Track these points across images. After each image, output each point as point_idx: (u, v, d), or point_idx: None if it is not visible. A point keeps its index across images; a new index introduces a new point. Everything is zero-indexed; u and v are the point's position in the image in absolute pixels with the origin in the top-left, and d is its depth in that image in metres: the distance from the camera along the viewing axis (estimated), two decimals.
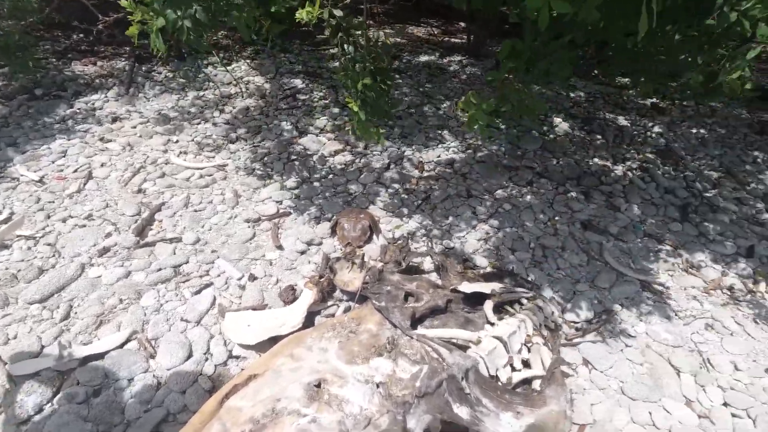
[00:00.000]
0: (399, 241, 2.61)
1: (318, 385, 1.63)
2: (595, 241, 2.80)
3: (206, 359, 1.99)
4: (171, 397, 1.83)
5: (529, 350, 1.91)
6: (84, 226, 2.71)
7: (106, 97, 4.22)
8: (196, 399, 1.83)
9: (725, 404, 1.92)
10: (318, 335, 1.94)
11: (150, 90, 4.37)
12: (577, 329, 2.22)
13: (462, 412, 1.58)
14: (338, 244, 2.68)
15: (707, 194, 3.31)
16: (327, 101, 4.34)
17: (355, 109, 2.18)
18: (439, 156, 3.60)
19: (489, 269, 2.50)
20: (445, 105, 4.37)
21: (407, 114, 4.20)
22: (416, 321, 2.07)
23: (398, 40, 6.26)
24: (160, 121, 3.87)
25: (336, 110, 4.17)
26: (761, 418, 1.84)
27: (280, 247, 2.65)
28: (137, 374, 1.89)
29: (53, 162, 3.30)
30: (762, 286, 2.53)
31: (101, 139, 3.60)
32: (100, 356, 1.95)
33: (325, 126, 3.95)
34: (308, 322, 2.14)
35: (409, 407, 1.55)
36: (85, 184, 3.08)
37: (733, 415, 1.87)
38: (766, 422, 1.82)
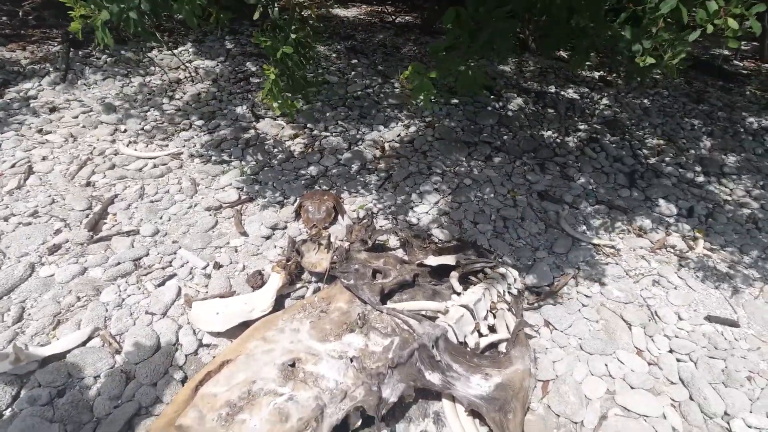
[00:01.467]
0: (364, 221, 2.62)
1: (293, 365, 1.64)
2: (552, 210, 2.94)
3: (176, 350, 1.96)
4: (142, 391, 1.79)
5: (494, 316, 2.00)
6: (29, 223, 2.55)
7: (41, 84, 3.93)
8: (168, 390, 1.80)
9: (671, 351, 2.09)
10: (289, 317, 1.95)
11: (90, 76, 4.11)
12: (538, 294, 2.34)
13: (434, 378, 1.65)
14: (303, 227, 2.67)
15: (651, 161, 3.53)
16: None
17: (272, 77, 2.14)
18: (399, 135, 3.62)
19: (453, 242, 2.57)
20: (401, 84, 4.37)
21: (365, 94, 4.17)
22: (385, 296, 2.11)
23: (349, 16, 6.16)
24: (105, 110, 3.65)
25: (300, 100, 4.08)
26: (701, 360, 2.03)
27: (244, 234, 2.61)
28: (103, 370, 1.84)
29: None
30: (700, 243, 2.75)
31: (39, 131, 3.37)
32: (61, 356, 1.87)
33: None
34: (278, 305, 2.14)
35: (383, 378, 1.60)
36: (25, 180, 2.89)
37: (678, 360, 2.05)
38: (705, 363, 2.01)
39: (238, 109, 3.82)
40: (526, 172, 3.29)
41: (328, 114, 3.82)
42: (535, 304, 2.26)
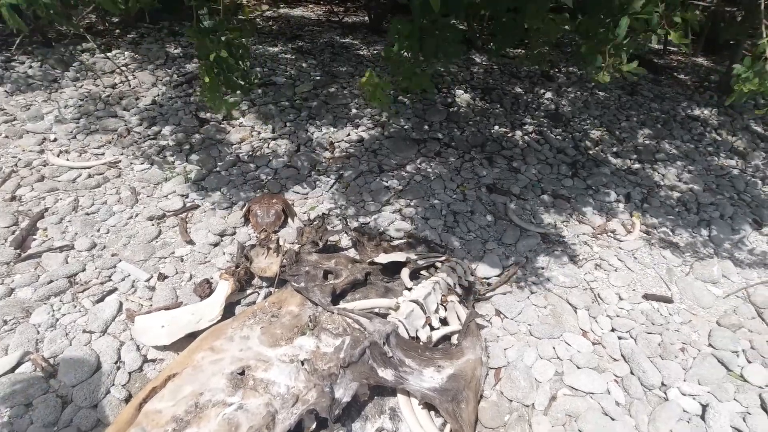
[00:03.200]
0: (314, 222, 2.59)
1: (242, 373, 1.60)
2: (500, 202, 3.02)
3: (118, 368, 1.85)
4: (81, 414, 1.68)
5: (445, 309, 2.03)
6: None
7: None
8: (110, 411, 1.70)
9: (613, 330, 2.21)
10: (239, 324, 1.89)
11: (12, 83, 3.82)
12: (488, 284, 2.40)
13: (387, 374, 1.65)
14: (253, 232, 2.60)
15: (591, 151, 3.70)
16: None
17: (206, 80, 2.10)
18: (348, 135, 3.60)
19: (404, 239, 2.59)
20: (350, 84, 4.37)
21: (313, 95, 4.13)
22: (338, 297, 2.09)
23: (295, 15, 6.08)
24: (31, 118, 3.41)
25: (237, 97, 3.97)
26: (641, 337, 2.15)
27: (190, 242, 2.51)
28: (36, 397, 1.71)
29: None
30: (637, 226, 2.92)
31: None
32: None
33: (228, 113, 3.75)
34: (228, 313, 2.07)
35: (336, 378, 1.58)
36: None
37: (619, 338, 2.16)
38: (644, 339, 2.13)
39: (180, 114, 3.68)
40: (474, 166, 3.37)
41: (275, 116, 3.75)
42: (486, 295, 2.31)
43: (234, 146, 3.37)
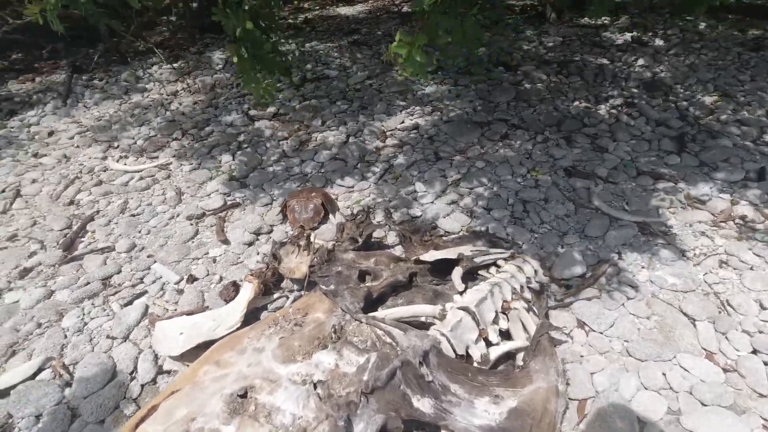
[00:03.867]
0: (357, 217, 2.28)
1: (244, 395, 1.31)
2: (582, 187, 2.46)
3: (132, 379, 1.68)
4: (87, 430, 1.52)
5: (507, 318, 1.58)
6: (5, 248, 2.40)
7: (43, 111, 3.91)
8: (116, 429, 1.52)
9: (754, 351, 1.58)
10: (257, 333, 1.62)
11: (89, 99, 4.05)
12: (567, 287, 1.89)
13: (424, 405, 1.26)
14: (290, 229, 2.35)
15: (703, 121, 2.95)
16: (280, 84, 4.00)
17: (235, 59, 1.84)
18: (402, 122, 3.26)
19: (462, 233, 2.17)
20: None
21: (367, 85, 3.85)
22: (375, 302, 1.75)
23: (354, 13, 5.90)
24: (100, 129, 3.55)
25: (288, 93, 3.83)
26: None
27: (225, 242, 2.33)
28: (47, 407, 1.58)
29: None
30: None
31: (35, 155, 3.30)
32: (6, 392, 1.64)
33: (278, 110, 3.62)
34: (254, 319, 1.82)
35: (355, 408, 1.23)
36: (11, 204, 2.77)
37: (766, 363, 1.53)
38: None
39: (233, 114, 3.61)
40: (549, 147, 2.83)
41: (326, 109, 3.53)
42: (565, 300, 1.81)
43: (281, 141, 3.20)
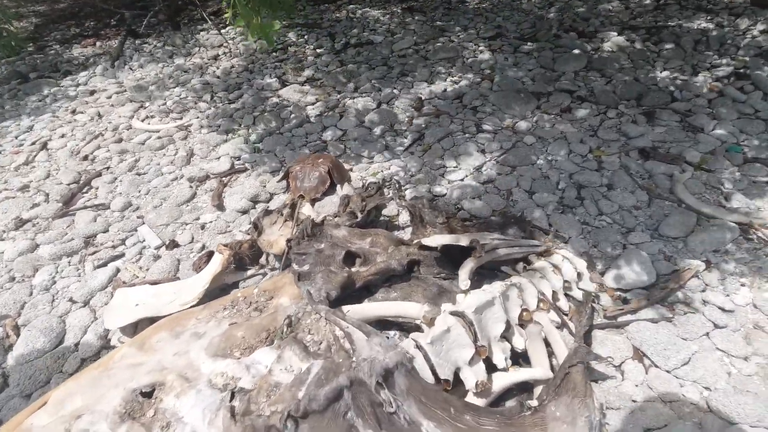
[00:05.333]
0: (368, 189, 1.90)
1: (149, 393, 1.00)
2: (662, 174, 1.88)
3: (74, 351, 1.46)
4: (11, 405, 1.31)
5: (525, 335, 1.13)
6: (14, 197, 2.33)
7: (93, 72, 3.94)
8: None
9: None
10: (207, 315, 1.32)
11: (136, 62, 4.03)
12: (624, 301, 1.38)
13: None
14: (292, 198, 2.03)
15: None
16: (321, 50, 3.70)
17: None
18: (444, 90, 2.80)
19: (492, 218, 1.71)
20: (461, 35, 3.53)
21: (413, 51, 3.43)
22: (361, 292, 1.37)
23: None
24: (137, 89, 3.48)
25: (328, 58, 3.51)
26: None
27: (219, 207, 2.07)
28: None
29: (17, 137, 3.01)
30: None
31: (72, 112, 3.29)
32: None
33: (313, 75, 3.32)
34: (220, 296, 1.52)
35: None
36: (35, 156, 2.74)
37: None
38: None
39: (266, 79, 3.37)
40: (622, 124, 2.25)
41: (362, 75, 3.16)
42: (618, 319, 1.31)
43: (307, 107, 2.89)
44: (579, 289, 1.31)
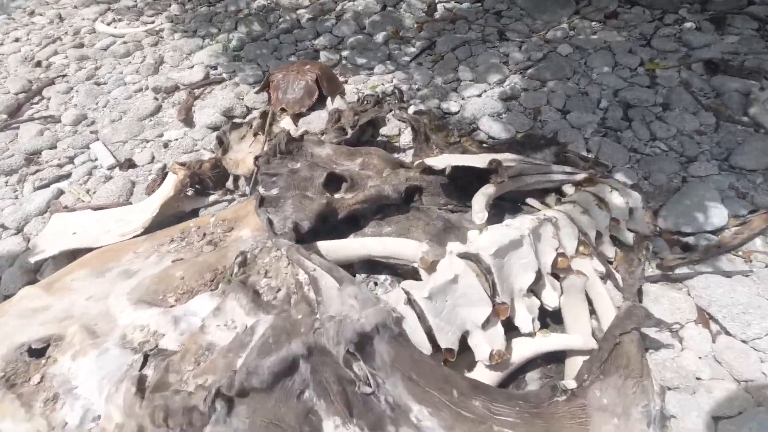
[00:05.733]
0: (364, 102, 1.54)
1: (41, 351, 0.73)
2: (734, 92, 1.49)
3: None
4: None
5: (561, 288, 0.83)
6: None
7: None
8: None
9: None
10: (149, 248, 1.04)
11: None
12: (686, 248, 1.07)
13: None
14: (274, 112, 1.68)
15: None
16: None
17: None
18: None
19: (517, 138, 1.36)
20: None
21: None
22: (346, 226, 1.07)
23: None
24: None
25: None
26: None
27: (187, 122, 1.74)
28: None
29: None
30: None
31: (30, 14, 2.85)
32: None
33: None
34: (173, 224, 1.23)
35: (199, 427, 0.60)
36: None
37: None
38: None
39: None
40: (683, 32, 1.81)
41: None
42: (676, 270, 1.00)
43: (299, 10, 2.44)
44: (629, 230, 1.00)
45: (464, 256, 0.73)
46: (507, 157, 1.08)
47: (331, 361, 0.63)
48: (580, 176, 1.07)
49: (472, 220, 0.92)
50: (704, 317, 0.93)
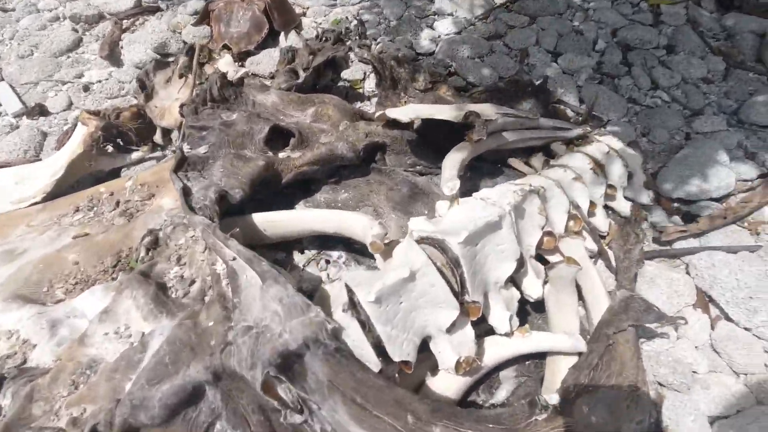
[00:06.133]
0: (323, 38, 1.29)
1: None
2: (749, 33, 1.30)
3: None
4: None
5: (546, 273, 0.68)
6: None
7: None
8: None
9: None
10: (47, 219, 0.85)
11: None
12: (688, 217, 0.93)
13: None
14: (214, 49, 1.42)
15: None
16: None
17: None
18: None
19: (499, 84, 1.16)
20: None
21: None
22: (295, 191, 0.89)
23: None
24: None
25: None
26: None
27: (111, 60, 1.46)
28: None
29: None
30: None
31: None
32: None
33: None
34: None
35: None
36: None
37: None
38: None
39: None
40: None
41: None
42: (674, 245, 0.87)
43: None
44: (626, 198, 0.85)
45: (426, 241, 0.57)
46: (487, 109, 0.89)
47: (247, 385, 0.48)
48: (574, 133, 0.90)
49: (442, 188, 0.74)
50: (704, 300, 0.81)
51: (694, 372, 0.74)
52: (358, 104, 1.24)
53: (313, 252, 0.87)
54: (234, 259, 0.58)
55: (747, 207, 0.90)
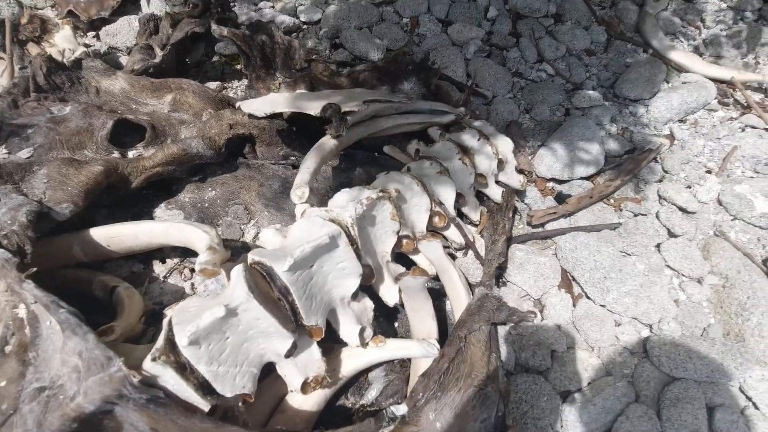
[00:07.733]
0: (191, 5, 1.14)
1: None
2: (631, 0, 1.32)
3: None
4: None
5: (399, 281, 0.66)
6: None
7: None
8: None
9: None
10: None
11: None
12: (558, 197, 0.96)
13: None
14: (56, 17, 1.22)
15: None
16: None
17: None
18: None
19: (379, 64, 1.10)
20: None
21: None
22: (152, 193, 0.80)
23: None
24: None
25: None
26: None
27: None
28: None
29: None
30: None
31: None
32: None
33: None
34: None
35: None
36: None
37: None
38: None
39: None
40: None
41: None
42: (544, 227, 0.90)
43: None
44: (498, 184, 0.85)
45: (258, 266, 0.52)
46: (359, 94, 0.83)
47: None
48: (447, 118, 0.87)
49: (291, 196, 0.68)
50: (567, 281, 0.85)
51: (553, 351, 0.78)
52: (236, 83, 1.13)
53: (176, 261, 0.80)
54: (35, 302, 0.50)
55: (611, 186, 0.94)
